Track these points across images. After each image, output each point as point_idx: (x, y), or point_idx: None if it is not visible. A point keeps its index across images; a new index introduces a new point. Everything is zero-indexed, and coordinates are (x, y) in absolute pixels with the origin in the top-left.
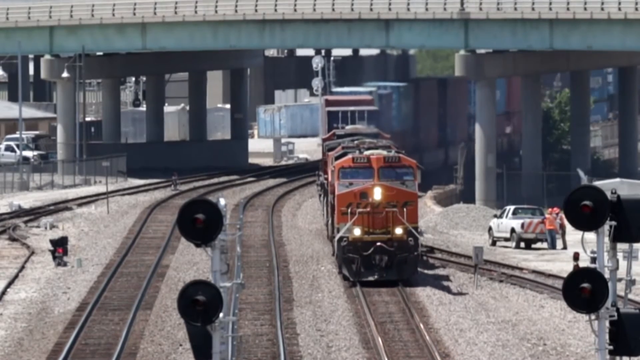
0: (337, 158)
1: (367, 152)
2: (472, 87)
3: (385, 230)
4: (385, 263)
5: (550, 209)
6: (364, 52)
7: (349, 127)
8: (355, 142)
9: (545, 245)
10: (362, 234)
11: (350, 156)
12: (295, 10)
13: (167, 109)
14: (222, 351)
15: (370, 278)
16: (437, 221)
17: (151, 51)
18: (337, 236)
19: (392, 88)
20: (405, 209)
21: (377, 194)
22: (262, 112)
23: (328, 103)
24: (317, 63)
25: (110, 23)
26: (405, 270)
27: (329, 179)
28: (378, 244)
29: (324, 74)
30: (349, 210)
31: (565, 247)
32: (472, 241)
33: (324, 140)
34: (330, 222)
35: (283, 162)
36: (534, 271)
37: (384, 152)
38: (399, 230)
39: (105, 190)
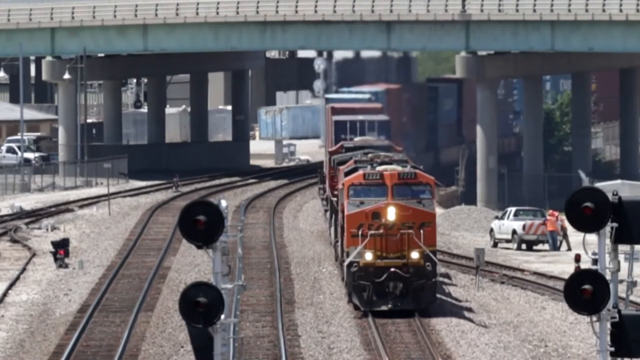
0: (347, 174)
1: (379, 168)
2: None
3: (399, 255)
4: (400, 291)
5: (550, 211)
6: (365, 54)
7: (358, 139)
8: (369, 155)
9: (546, 247)
10: (374, 259)
11: (361, 172)
12: (296, 11)
13: (169, 110)
14: (223, 353)
15: (384, 307)
16: (439, 223)
17: (152, 53)
18: (347, 261)
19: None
20: (422, 231)
21: (391, 214)
22: (263, 113)
23: (334, 111)
24: (319, 65)
25: (111, 24)
26: (422, 298)
27: (338, 196)
28: (392, 269)
29: (326, 75)
30: (360, 232)
31: (569, 249)
32: (473, 243)
33: (331, 153)
34: (338, 243)
35: (284, 164)
36: (535, 273)
37: (399, 168)
38: (415, 255)
39: (106, 192)
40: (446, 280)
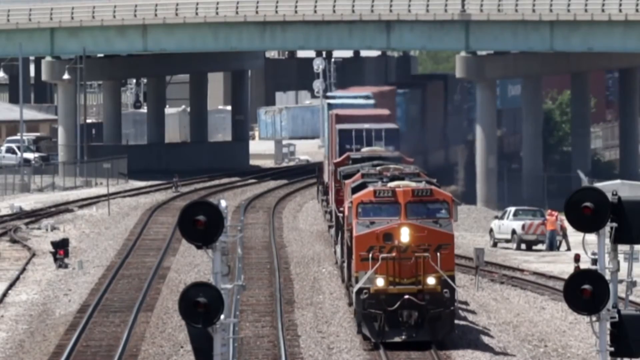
0: (354, 189)
1: (391, 184)
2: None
3: (414, 280)
4: (415, 320)
5: (549, 211)
6: (365, 53)
7: (366, 150)
8: (378, 168)
9: (543, 246)
10: (386, 285)
11: (371, 189)
12: (295, 11)
13: (168, 110)
14: (223, 353)
15: (397, 339)
16: None
17: (152, 53)
18: (356, 287)
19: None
20: (438, 254)
21: (405, 235)
22: (263, 113)
23: (339, 119)
24: (318, 65)
25: (111, 25)
26: (440, 329)
27: (345, 213)
28: (406, 297)
29: (325, 75)
30: (371, 256)
31: (569, 249)
32: (473, 242)
33: (336, 164)
34: (345, 264)
35: (284, 164)
36: (535, 273)
37: (413, 184)
38: (431, 280)
39: (106, 192)
40: None
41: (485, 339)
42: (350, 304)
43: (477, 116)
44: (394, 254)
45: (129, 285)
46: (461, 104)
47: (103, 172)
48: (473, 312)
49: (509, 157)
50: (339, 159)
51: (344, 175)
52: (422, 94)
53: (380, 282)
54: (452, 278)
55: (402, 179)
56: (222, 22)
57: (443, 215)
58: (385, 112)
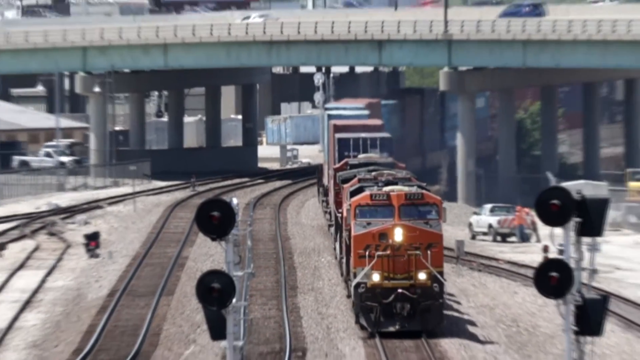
0: (352, 193)
1: (386, 188)
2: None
3: (407, 276)
4: (408, 312)
5: (518, 208)
6: (359, 69)
7: (362, 156)
8: (373, 173)
9: (514, 239)
10: (381, 280)
11: (367, 193)
12: (299, 32)
13: (186, 119)
14: (235, 332)
15: (391, 328)
16: None
17: (172, 69)
18: (354, 282)
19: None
20: (429, 252)
21: (398, 235)
22: (269, 122)
23: (337, 129)
24: (318, 79)
25: (136, 44)
26: (430, 319)
27: (344, 214)
28: (399, 290)
29: (325, 88)
30: (367, 253)
31: (539, 241)
32: (454, 235)
33: (335, 169)
34: (344, 260)
35: (288, 166)
36: (508, 262)
37: (405, 188)
38: (422, 276)
39: (132, 191)
40: None
41: (465, 320)
42: (348, 296)
43: (458, 124)
44: (388, 252)
45: (152, 272)
46: (435, 115)
47: (129, 173)
48: (454, 295)
49: (483, 161)
50: (338, 165)
51: (342, 180)
52: (402, 106)
53: (376, 277)
54: (441, 273)
55: (396, 183)
56: (233, 42)
57: (433, 217)
58: (378, 122)
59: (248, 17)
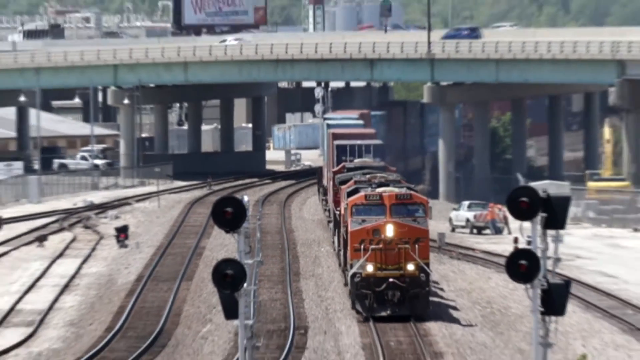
0: (349, 194)
1: (379, 190)
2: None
3: (397, 267)
4: (398, 298)
5: (490, 204)
6: (353, 84)
7: (358, 161)
8: (367, 176)
9: (488, 231)
10: (374, 270)
11: (362, 193)
12: (301, 52)
13: (204, 127)
14: (246, 312)
15: (383, 313)
16: None
17: (191, 83)
18: (350, 272)
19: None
20: (416, 245)
21: (389, 230)
22: (276, 130)
23: (335, 137)
24: (318, 92)
25: (160, 62)
26: (417, 305)
27: (342, 212)
28: (390, 280)
29: (324, 101)
30: (362, 247)
31: (510, 233)
32: (436, 228)
33: (334, 172)
34: (342, 253)
35: (292, 168)
36: (483, 251)
37: (396, 190)
38: (410, 267)
39: (156, 190)
40: None
41: (445, 302)
42: (345, 285)
43: (438, 132)
44: (381, 246)
45: (174, 260)
46: (416, 124)
47: (154, 174)
48: (437, 283)
49: (456, 165)
50: (336, 168)
51: (340, 182)
52: (388, 117)
53: (370, 268)
54: (428, 265)
55: (387, 185)
56: (245, 60)
57: (420, 215)
58: (371, 131)
59: (225, 41)
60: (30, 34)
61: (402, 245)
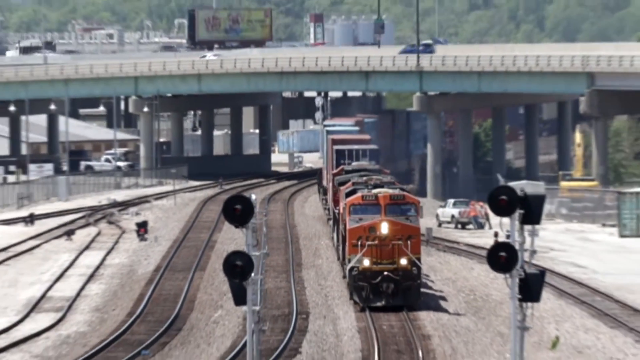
0: (347, 194)
1: (374, 191)
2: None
3: (391, 261)
4: (392, 290)
5: (472, 202)
6: (350, 94)
7: (355, 164)
8: (364, 178)
9: (471, 226)
10: (370, 264)
11: (359, 194)
12: (303, 65)
13: (216, 132)
14: (253, 299)
15: (378, 304)
16: None
17: (204, 93)
18: (348, 266)
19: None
20: (409, 242)
21: (384, 228)
22: (281, 135)
23: (335, 142)
24: (318, 101)
25: (176, 74)
26: (410, 296)
27: (341, 211)
28: (385, 273)
29: (323, 109)
30: (359, 243)
31: (490, 228)
32: (425, 223)
33: (334, 174)
34: (340, 248)
35: (295, 169)
36: (467, 244)
37: (390, 191)
38: (403, 261)
39: (173, 189)
40: None
41: (433, 290)
42: (344, 277)
43: (428, 137)
44: (376, 242)
45: (188, 252)
46: (403, 131)
47: (170, 175)
48: (426, 275)
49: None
50: (335, 171)
51: (339, 183)
52: (379, 123)
53: (366, 262)
54: (419, 259)
55: (382, 186)
56: (252, 72)
57: (412, 214)
58: (367, 136)
59: (205, 56)
60: (25, 50)
61: (396, 242)
